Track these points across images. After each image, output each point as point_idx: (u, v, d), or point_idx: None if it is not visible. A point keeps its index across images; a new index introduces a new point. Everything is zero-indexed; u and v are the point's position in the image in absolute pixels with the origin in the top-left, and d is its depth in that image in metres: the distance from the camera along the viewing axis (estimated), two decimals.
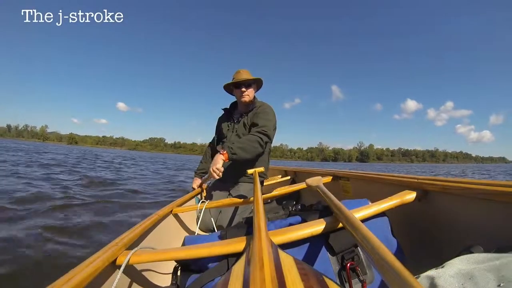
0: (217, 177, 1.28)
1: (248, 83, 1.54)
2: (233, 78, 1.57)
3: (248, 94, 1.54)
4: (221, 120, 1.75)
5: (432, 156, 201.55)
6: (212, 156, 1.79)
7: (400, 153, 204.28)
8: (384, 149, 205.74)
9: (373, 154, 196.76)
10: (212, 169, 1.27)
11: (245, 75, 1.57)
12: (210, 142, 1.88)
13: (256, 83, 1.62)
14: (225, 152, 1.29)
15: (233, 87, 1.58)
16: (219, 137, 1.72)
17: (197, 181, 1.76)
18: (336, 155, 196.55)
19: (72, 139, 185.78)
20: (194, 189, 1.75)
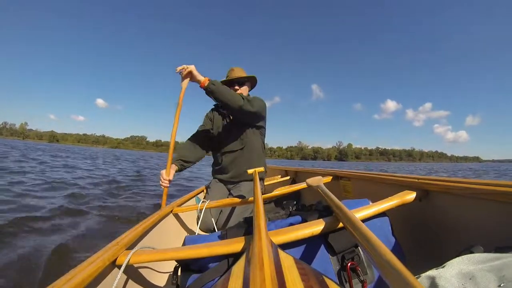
0: (179, 71, 1.27)
1: (241, 81, 1.52)
2: (227, 76, 1.55)
3: (241, 92, 1.51)
4: (212, 117, 1.63)
5: (409, 155, 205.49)
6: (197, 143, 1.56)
7: (378, 152, 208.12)
8: (363, 148, 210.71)
9: (352, 153, 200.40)
10: (181, 67, 1.26)
11: (239, 72, 1.55)
12: (193, 135, 1.63)
13: (250, 81, 1.60)
14: (207, 79, 1.27)
15: (226, 85, 1.52)
16: (212, 134, 1.61)
17: (171, 171, 1.37)
18: (316, 154, 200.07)
19: (53, 137, 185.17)
20: (163, 181, 1.34)
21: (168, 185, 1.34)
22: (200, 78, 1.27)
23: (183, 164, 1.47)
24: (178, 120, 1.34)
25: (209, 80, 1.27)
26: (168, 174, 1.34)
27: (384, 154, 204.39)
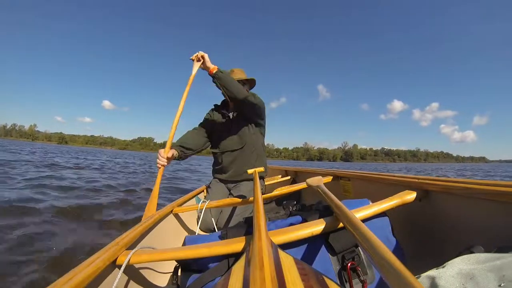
0: (195, 59, 1.33)
1: (242, 83, 1.56)
2: None
3: None
4: (212, 116, 1.67)
5: (413, 155, 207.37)
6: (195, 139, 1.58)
7: (383, 153, 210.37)
8: (368, 149, 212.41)
9: (357, 153, 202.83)
10: (198, 56, 1.31)
11: (239, 74, 1.59)
12: (194, 128, 1.65)
13: (249, 83, 1.65)
14: (216, 67, 1.33)
15: None
16: (213, 133, 1.64)
17: (171, 152, 1.35)
18: (321, 155, 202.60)
19: (62, 139, 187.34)
20: (160, 159, 1.29)
21: (165, 163, 1.29)
22: (210, 65, 1.33)
23: (183, 150, 1.45)
24: (185, 99, 1.37)
25: (217, 68, 1.33)
26: (166, 152, 1.29)
27: (389, 155, 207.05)
